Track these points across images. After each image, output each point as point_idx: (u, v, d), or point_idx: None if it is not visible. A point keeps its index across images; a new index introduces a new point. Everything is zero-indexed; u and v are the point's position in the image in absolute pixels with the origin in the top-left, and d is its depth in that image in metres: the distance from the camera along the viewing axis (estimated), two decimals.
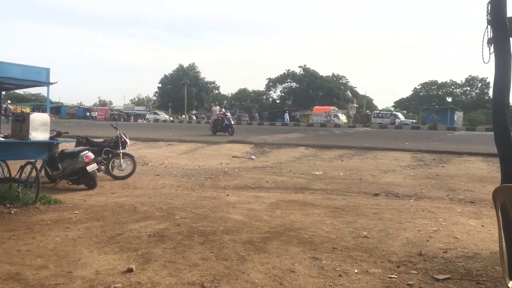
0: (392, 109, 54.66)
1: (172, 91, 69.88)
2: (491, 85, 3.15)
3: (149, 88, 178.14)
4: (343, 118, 46.31)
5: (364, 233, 4.84)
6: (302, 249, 4.24)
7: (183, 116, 57.86)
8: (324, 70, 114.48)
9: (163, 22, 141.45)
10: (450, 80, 64.54)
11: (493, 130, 2.70)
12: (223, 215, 5.53)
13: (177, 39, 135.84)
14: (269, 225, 5.13)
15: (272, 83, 72.73)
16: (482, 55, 2.87)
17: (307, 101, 63.69)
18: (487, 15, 2.79)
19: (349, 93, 67.61)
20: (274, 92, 74.18)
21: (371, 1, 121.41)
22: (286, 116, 48.72)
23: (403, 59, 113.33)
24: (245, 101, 76.27)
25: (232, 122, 21.29)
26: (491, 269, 3.68)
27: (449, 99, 62.70)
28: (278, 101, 72.26)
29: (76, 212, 5.66)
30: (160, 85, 73.73)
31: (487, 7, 2.77)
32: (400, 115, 47.37)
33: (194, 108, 70.97)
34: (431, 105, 54.85)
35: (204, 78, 74.63)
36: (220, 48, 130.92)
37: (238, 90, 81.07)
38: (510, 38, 3.40)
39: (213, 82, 77.76)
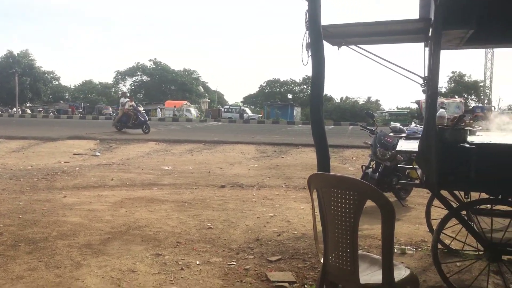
0: (241, 104, 57.52)
1: None
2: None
3: None
4: (195, 112, 46.78)
5: (209, 224, 4.98)
6: (145, 247, 4.15)
7: (14, 109, 50.61)
8: (175, 64, 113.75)
9: None
10: (290, 78, 70.93)
11: (310, 124, 3.06)
12: (58, 219, 5.03)
13: (6, 22, 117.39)
14: (111, 225, 4.87)
15: (121, 76, 69.00)
16: (302, 58, 3.22)
17: (159, 95, 62.34)
18: (305, 22, 3.13)
19: (201, 88, 68.60)
20: (123, 86, 70.49)
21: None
22: (159, 111, 46.15)
23: (249, 58, 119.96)
24: (90, 94, 70.49)
25: (147, 118, 19.03)
26: (315, 247, 4.18)
27: (290, 96, 68.88)
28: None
29: None
30: None
31: (305, 15, 3.10)
32: (248, 110, 50.15)
33: (28, 100, 62.63)
34: (274, 101, 59.38)
35: (41, 67, 66.36)
36: (61, 34, 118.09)
37: (82, 82, 74.50)
38: (324, 42, 3.88)
39: (52, 72, 69.71)
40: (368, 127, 6.51)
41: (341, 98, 60.15)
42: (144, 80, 68.04)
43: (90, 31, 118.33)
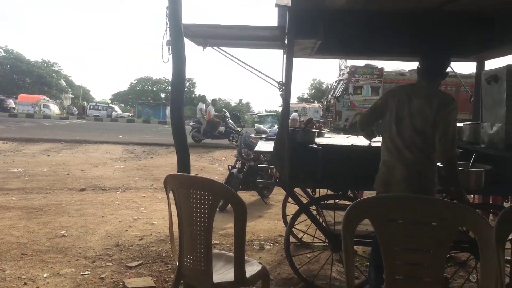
0: (109, 101, 54.12)
1: None
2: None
3: None
4: (55, 108, 42.44)
5: (62, 232, 4.55)
6: None
7: None
8: (31, 54, 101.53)
9: None
10: (164, 77, 69.24)
11: (171, 124, 3.00)
12: None
13: None
14: None
15: None
16: (162, 56, 3.14)
17: (11, 87, 54.74)
18: (166, 19, 3.05)
19: (63, 82, 62.40)
20: None
21: None
22: (10, 102, 38.95)
23: (121, 54, 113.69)
24: None
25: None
26: (178, 249, 4.12)
27: (163, 95, 67.23)
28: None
29: None
30: None
31: (166, 11, 3.03)
32: (117, 108, 47.38)
33: None
34: (146, 99, 57.34)
35: None
36: None
37: None
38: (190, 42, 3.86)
39: None
40: (233, 128, 6.70)
41: (214, 99, 61.13)
42: None
43: None
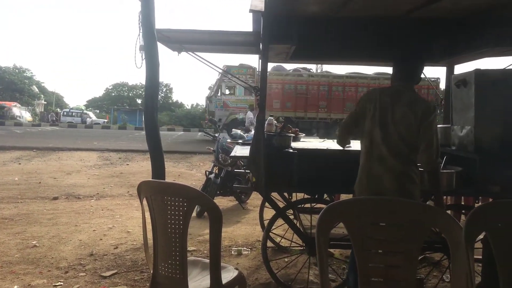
0: (84, 108, 53.08)
1: None
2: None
3: None
4: (27, 115, 41.34)
5: (34, 242, 4.41)
6: None
7: None
8: (2, 60, 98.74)
9: None
10: (140, 83, 68.31)
11: (144, 129, 2.95)
12: None
13: None
14: None
15: None
16: (135, 61, 3.10)
17: None
18: (138, 23, 3.02)
19: (35, 88, 60.84)
20: None
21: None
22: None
23: (95, 60, 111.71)
24: None
25: None
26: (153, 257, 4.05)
27: (139, 101, 66.35)
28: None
29: None
30: None
31: (139, 16, 2.99)
32: (91, 114, 46.54)
33: None
34: (122, 105, 56.53)
35: None
36: None
37: None
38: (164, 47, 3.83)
39: None
40: (210, 133, 6.67)
41: (192, 105, 60.62)
42: None
43: None
